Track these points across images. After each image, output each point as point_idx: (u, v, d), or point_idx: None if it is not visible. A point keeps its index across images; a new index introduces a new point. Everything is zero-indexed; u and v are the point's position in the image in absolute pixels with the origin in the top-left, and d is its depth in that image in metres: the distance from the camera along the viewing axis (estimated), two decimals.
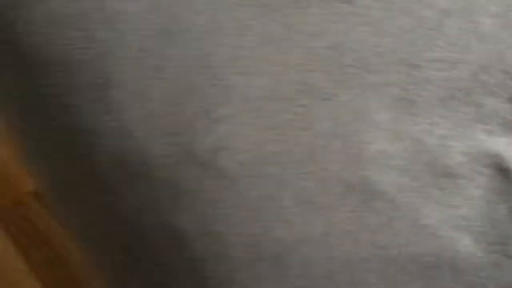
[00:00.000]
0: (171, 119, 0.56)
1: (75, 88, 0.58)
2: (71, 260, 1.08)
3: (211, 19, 0.57)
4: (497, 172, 0.57)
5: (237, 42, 0.57)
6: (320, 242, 0.54)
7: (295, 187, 0.55)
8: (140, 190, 0.57)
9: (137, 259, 0.58)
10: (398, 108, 0.57)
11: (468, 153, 0.58)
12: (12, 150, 1.13)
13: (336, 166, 0.55)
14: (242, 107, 0.56)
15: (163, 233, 0.56)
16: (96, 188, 0.58)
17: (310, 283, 0.54)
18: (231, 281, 0.55)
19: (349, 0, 0.59)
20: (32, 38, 0.59)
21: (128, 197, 0.57)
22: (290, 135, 0.55)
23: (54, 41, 0.59)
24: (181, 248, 0.56)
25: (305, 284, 0.54)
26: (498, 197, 0.57)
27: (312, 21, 0.57)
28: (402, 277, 0.53)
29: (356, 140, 0.55)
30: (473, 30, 0.62)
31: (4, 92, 0.63)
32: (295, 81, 0.56)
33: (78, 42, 0.58)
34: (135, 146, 0.57)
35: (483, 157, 0.58)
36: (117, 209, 0.58)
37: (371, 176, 0.55)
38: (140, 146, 0.57)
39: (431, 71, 0.58)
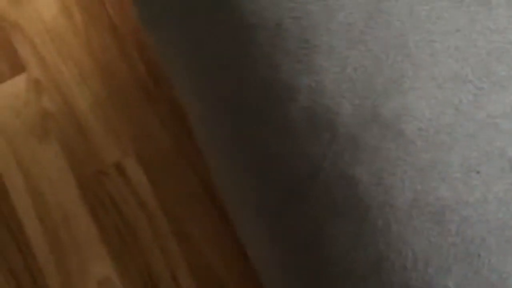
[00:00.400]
0: (362, 84, 0.65)
1: (283, 49, 0.67)
2: (139, 233, 1.14)
3: (409, 6, 0.66)
4: None
5: (430, 28, 0.65)
6: (478, 207, 0.62)
7: (463, 156, 0.63)
8: (325, 142, 0.66)
9: (308, 198, 0.66)
10: None
11: None
12: (102, 120, 1.23)
13: (502, 143, 0.62)
14: (427, 83, 0.64)
15: (338, 179, 0.65)
16: (284, 137, 0.67)
17: (463, 242, 0.62)
18: (390, 229, 0.63)
19: None
20: (250, 4, 0.69)
21: (312, 147, 0.66)
22: (465, 111, 0.64)
23: (267, 8, 0.69)
24: (351, 194, 0.64)
25: (459, 242, 0.62)
26: None
27: (497, 19, 0.65)
28: None
29: None
30: None
31: (212, 46, 0.73)
32: (477, 67, 0.64)
33: (291, 12, 0.68)
34: (327, 104, 0.66)
35: None
36: (301, 155, 0.67)
37: None
38: (331, 104, 0.66)
39: None
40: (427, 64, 0.65)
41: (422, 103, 0.64)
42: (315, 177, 0.65)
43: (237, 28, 0.70)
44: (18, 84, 1.26)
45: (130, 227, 1.16)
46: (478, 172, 0.62)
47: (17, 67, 1.26)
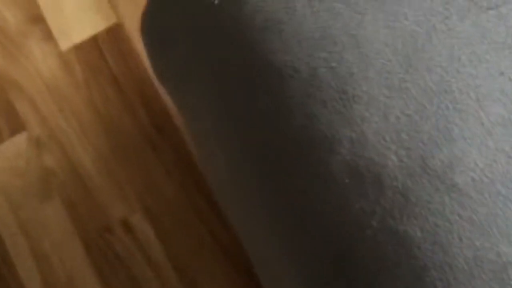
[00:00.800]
0: (408, 134, 0.62)
1: (319, 100, 0.64)
2: None
3: (449, 51, 0.63)
4: None
5: (473, 72, 0.62)
6: None
7: None
8: (371, 197, 0.62)
9: (356, 259, 0.62)
10: None
11: None
12: (106, 175, 1.19)
13: None
14: (476, 129, 0.61)
15: (389, 237, 0.61)
16: (327, 192, 0.64)
17: None
18: None
19: None
20: (282, 55, 0.67)
21: (358, 203, 0.62)
22: None
23: (300, 59, 0.66)
24: (404, 253, 0.60)
25: None
26: None
27: None
28: None
29: None
30: None
31: (232, 97, 0.70)
32: None
33: (326, 62, 0.65)
34: (371, 156, 0.62)
35: None
36: (345, 212, 0.63)
37: None
38: (375, 156, 0.62)
39: None
40: (473, 110, 0.61)
41: (473, 151, 0.60)
42: (363, 234, 0.61)
43: (270, 79, 0.66)
44: (18, 143, 1.22)
45: (138, 286, 1.11)
46: None
47: (17, 126, 1.23)
